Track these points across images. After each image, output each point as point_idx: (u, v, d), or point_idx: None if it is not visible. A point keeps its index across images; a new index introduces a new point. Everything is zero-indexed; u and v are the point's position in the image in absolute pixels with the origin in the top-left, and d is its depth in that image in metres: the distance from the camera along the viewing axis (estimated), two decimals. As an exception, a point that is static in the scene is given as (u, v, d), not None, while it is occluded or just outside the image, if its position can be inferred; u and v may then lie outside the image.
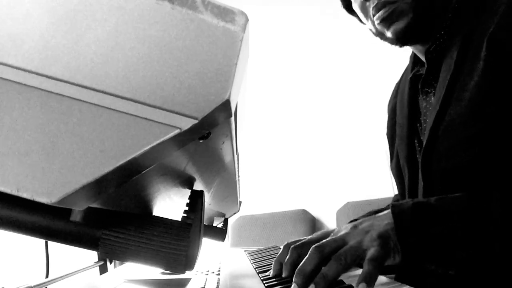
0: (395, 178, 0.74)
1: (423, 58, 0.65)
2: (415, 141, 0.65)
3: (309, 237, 0.58)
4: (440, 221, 0.44)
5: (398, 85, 0.78)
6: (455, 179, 0.53)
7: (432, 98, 0.61)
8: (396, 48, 0.64)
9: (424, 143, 0.57)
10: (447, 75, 0.54)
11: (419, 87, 0.65)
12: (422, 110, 0.64)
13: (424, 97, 0.63)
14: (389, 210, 0.46)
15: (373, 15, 0.59)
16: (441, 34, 0.58)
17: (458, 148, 0.52)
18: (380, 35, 0.63)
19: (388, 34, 0.60)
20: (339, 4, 0.76)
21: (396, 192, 0.89)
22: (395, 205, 0.46)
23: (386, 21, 0.58)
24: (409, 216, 0.44)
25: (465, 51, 0.53)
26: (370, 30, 0.65)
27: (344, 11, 0.76)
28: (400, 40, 0.59)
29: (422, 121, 0.64)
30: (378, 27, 0.61)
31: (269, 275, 0.52)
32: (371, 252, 0.41)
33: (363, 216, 0.72)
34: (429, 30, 0.59)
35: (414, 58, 0.69)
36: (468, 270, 0.44)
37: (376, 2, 0.58)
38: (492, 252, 0.42)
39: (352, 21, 0.78)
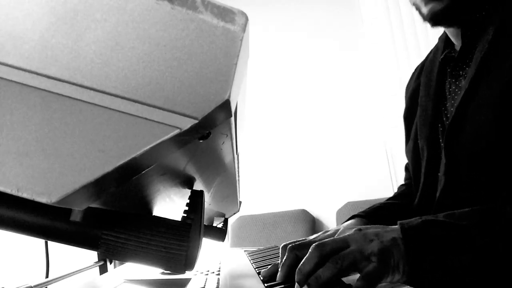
0: (409, 161, 0.73)
1: (454, 40, 0.64)
2: (439, 125, 0.64)
3: (309, 238, 0.57)
4: (451, 238, 0.42)
5: (421, 68, 0.76)
6: (481, 160, 0.52)
7: (463, 81, 0.60)
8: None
9: (449, 122, 0.56)
10: (480, 55, 0.54)
11: (448, 70, 0.64)
12: (449, 94, 0.63)
13: (453, 80, 0.62)
14: (397, 226, 0.44)
15: None
16: (481, 14, 0.58)
17: (487, 129, 0.51)
18: (417, 7, 0.62)
19: (424, 10, 0.59)
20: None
21: (396, 189, 0.88)
22: (404, 224, 0.44)
23: None
24: (419, 234, 0.42)
25: (502, 34, 0.52)
26: None
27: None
28: (433, 20, 0.59)
29: (448, 105, 0.63)
30: (417, 0, 0.60)
31: (262, 275, 0.51)
32: (368, 268, 0.40)
33: (362, 215, 0.71)
34: (463, 15, 0.58)
35: (446, 40, 0.68)
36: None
37: None
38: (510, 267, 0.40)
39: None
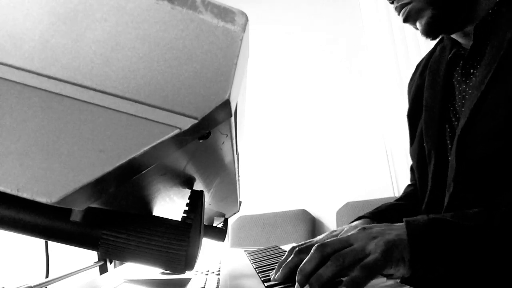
0: (414, 163, 0.71)
1: (461, 40, 0.63)
2: (446, 125, 0.62)
3: (316, 238, 0.56)
4: (456, 239, 0.42)
5: (425, 65, 0.74)
6: (492, 164, 0.51)
7: (474, 79, 0.58)
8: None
9: (462, 124, 0.55)
10: (496, 55, 0.53)
11: (458, 69, 0.62)
12: (459, 93, 0.61)
13: (463, 79, 0.61)
14: (403, 224, 0.44)
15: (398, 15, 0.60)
16: (488, 13, 0.57)
17: (499, 132, 0.50)
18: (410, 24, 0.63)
19: (418, 27, 0.60)
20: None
21: (398, 191, 0.86)
22: (410, 221, 0.43)
23: (409, 21, 0.59)
24: (424, 232, 0.42)
25: None
26: None
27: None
28: (429, 34, 0.59)
29: (458, 106, 0.61)
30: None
31: (271, 278, 0.50)
32: (368, 259, 0.39)
33: (368, 216, 0.70)
34: (458, 18, 0.58)
35: (453, 38, 0.67)
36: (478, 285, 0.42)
37: (395, 6, 0.59)
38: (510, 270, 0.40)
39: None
